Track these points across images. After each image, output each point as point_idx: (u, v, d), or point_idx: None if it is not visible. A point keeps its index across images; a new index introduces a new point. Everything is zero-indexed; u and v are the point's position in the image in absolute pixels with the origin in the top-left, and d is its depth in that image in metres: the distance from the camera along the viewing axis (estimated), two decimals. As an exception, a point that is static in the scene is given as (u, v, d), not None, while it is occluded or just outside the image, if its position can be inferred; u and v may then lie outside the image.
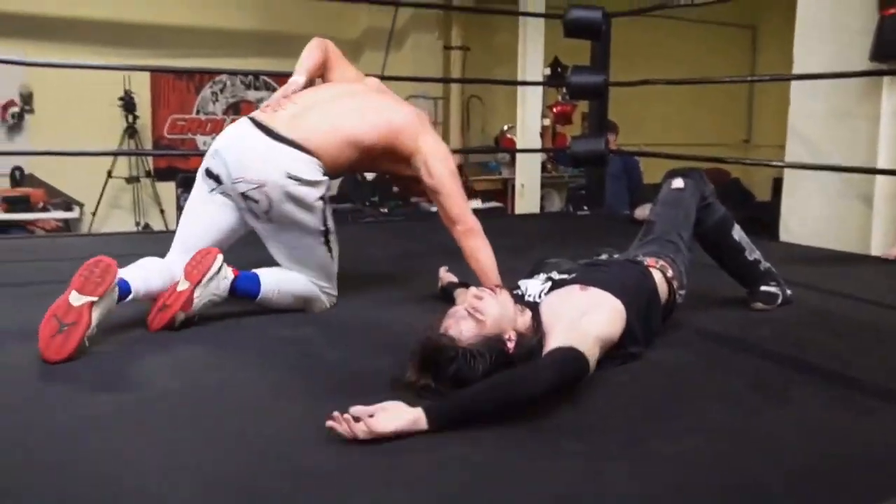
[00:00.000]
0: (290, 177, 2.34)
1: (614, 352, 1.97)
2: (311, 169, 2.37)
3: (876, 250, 3.93)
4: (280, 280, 2.49)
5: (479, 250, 2.51)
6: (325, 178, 2.41)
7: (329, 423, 1.52)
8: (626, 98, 8.39)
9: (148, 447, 1.52)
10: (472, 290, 1.91)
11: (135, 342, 2.21)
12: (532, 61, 6.55)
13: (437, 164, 2.53)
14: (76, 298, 2.03)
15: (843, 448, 1.56)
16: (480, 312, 1.82)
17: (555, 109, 7.86)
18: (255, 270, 2.47)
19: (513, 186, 7.62)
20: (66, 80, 6.86)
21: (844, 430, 1.66)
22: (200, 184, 2.49)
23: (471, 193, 7.62)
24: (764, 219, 5.02)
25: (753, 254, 2.58)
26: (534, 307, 1.99)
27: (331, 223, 2.50)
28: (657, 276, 2.20)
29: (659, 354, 2.11)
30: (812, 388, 1.91)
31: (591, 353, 1.78)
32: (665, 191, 2.49)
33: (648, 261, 2.25)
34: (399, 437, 1.52)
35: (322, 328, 2.39)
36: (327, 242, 2.49)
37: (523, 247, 3.84)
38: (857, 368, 2.03)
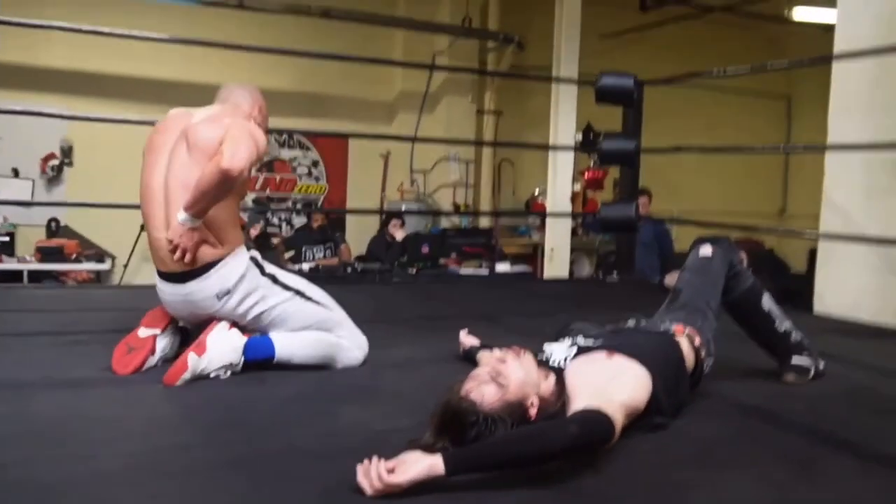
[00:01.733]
0: (219, 296, 2.41)
1: (639, 422, 1.92)
2: (221, 274, 2.40)
3: (913, 326, 3.83)
4: (294, 337, 2.50)
5: (209, 174, 2.27)
6: (237, 266, 2.42)
7: (358, 477, 1.51)
8: (662, 166, 8.44)
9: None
10: (496, 352, 1.87)
11: (146, 393, 2.20)
12: (564, 126, 6.58)
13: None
14: (143, 332, 2.49)
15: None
16: (503, 376, 1.78)
17: (586, 175, 7.87)
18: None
19: (542, 251, 7.59)
20: (105, 136, 7.04)
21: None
22: None
23: (500, 256, 7.62)
24: (799, 290, 4.93)
25: (784, 324, 2.52)
26: (558, 372, 1.94)
27: (293, 281, 2.53)
28: (684, 344, 2.15)
29: (685, 424, 2.04)
30: (843, 465, 1.83)
31: (616, 418, 1.73)
32: (693, 258, 2.45)
33: (675, 328, 2.20)
34: (418, 486, 1.49)
35: (342, 388, 2.36)
36: (307, 298, 2.52)
37: (551, 311, 3.82)
38: (886, 445, 1.95)
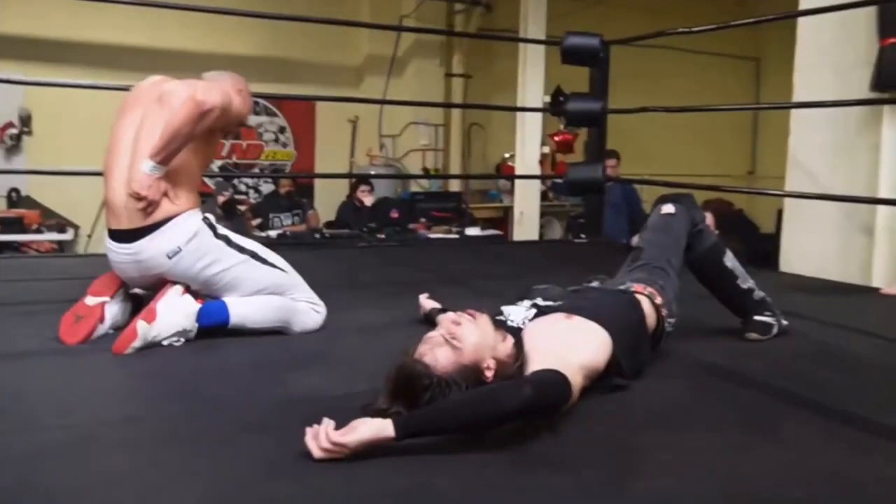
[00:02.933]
0: (170, 256, 2.35)
1: (599, 383, 1.89)
2: (173, 233, 2.35)
3: (877, 282, 3.84)
4: (249, 301, 2.45)
5: (180, 111, 2.27)
6: (189, 225, 2.37)
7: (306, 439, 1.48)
8: (631, 128, 8.39)
9: (111, 479, 1.43)
10: (450, 314, 1.83)
11: (93, 363, 2.14)
12: (532, 88, 6.52)
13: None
14: (91, 300, 2.40)
15: (832, 487, 1.47)
16: (457, 339, 1.74)
17: (556, 138, 7.82)
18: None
19: (513, 214, 7.56)
20: (64, 103, 6.87)
21: (835, 466, 1.57)
22: None
23: (470, 220, 7.58)
24: (768, 251, 4.93)
25: (747, 282, 2.50)
26: (516, 334, 1.90)
27: (247, 243, 2.49)
28: (645, 303, 2.12)
29: (647, 385, 2.02)
30: (804, 423, 1.82)
31: (574, 380, 1.70)
32: (655, 216, 2.42)
33: (636, 287, 2.17)
34: (368, 451, 1.47)
35: (298, 355, 2.32)
36: (261, 261, 2.48)
37: (516, 274, 3.78)
38: (849, 402, 1.94)
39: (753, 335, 2.51)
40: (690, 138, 9.36)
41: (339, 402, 1.80)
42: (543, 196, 7.99)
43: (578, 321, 1.93)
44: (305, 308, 2.53)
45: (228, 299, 2.42)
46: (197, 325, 2.36)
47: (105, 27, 7.22)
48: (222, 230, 2.47)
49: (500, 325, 1.91)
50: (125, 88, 2.59)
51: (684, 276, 2.45)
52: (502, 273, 4.01)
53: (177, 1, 6.12)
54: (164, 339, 2.29)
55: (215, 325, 2.39)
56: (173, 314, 2.30)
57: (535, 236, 6.61)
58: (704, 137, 9.48)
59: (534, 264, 4.39)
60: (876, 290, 3.69)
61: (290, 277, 2.53)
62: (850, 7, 3.63)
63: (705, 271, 2.47)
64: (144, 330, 2.23)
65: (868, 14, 3.83)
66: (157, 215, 2.33)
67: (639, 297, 2.13)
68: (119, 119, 2.48)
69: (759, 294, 2.52)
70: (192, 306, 2.35)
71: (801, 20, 4.25)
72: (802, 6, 4.18)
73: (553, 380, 1.63)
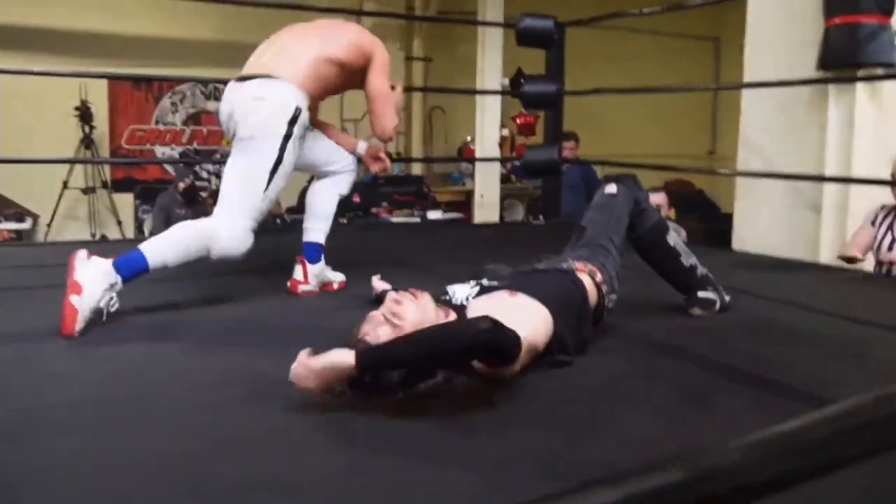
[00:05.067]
0: (256, 98, 2.62)
1: (541, 360, 1.94)
2: (277, 92, 2.63)
3: (824, 259, 3.93)
4: (162, 240, 2.52)
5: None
6: (295, 102, 2.65)
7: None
8: (592, 109, 8.46)
9: (46, 470, 1.45)
10: (391, 294, 1.86)
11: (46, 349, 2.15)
12: (490, 71, 6.53)
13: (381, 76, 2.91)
14: None
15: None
16: (398, 317, 1.78)
17: (518, 120, 7.85)
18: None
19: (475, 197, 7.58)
20: (20, 90, 6.77)
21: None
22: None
23: (433, 204, 7.60)
24: (728, 230, 5.02)
25: (689, 259, 2.56)
26: (459, 311, 1.94)
27: (288, 159, 2.66)
28: (586, 281, 2.17)
29: (588, 360, 2.07)
30: (743, 397, 1.88)
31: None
32: (598, 196, 2.48)
33: (577, 265, 2.21)
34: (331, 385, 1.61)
35: (244, 335, 2.34)
36: (271, 176, 2.62)
37: (474, 257, 3.80)
38: (783, 374, 2.01)
39: (696, 310, 2.58)
40: (650, 119, 9.43)
41: (284, 382, 1.83)
42: (506, 179, 8.03)
43: (521, 298, 1.97)
44: (227, 232, 2.55)
45: (141, 245, 2.46)
46: (120, 276, 2.38)
47: (59, 11, 7.10)
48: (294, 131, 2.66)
49: (443, 304, 1.96)
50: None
51: (630, 254, 2.51)
52: (461, 256, 4.04)
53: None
54: (102, 301, 2.32)
55: (137, 273, 2.43)
56: (92, 276, 2.31)
57: (496, 218, 6.64)
58: (664, 118, 9.55)
59: (492, 246, 4.43)
60: (822, 266, 3.79)
61: (252, 201, 2.61)
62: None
63: (648, 249, 2.53)
64: (79, 302, 2.25)
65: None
66: (280, 72, 2.68)
67: (580, 274, 2.18)
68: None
69: (701, 271, 2.59)
70: (105, 263, 2.37)
71: (751, 0, 4.31)
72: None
73: (507, 329, 1.67)
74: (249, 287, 3.04)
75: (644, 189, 2.52)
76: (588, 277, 2.18)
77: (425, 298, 1.85)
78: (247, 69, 2.77)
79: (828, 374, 2.06)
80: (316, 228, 3.04)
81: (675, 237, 2.55)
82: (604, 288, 2.21)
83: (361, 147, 3.15)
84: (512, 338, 1.67)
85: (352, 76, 2.88)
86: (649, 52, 9.41)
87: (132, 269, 2.41)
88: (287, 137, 2.64)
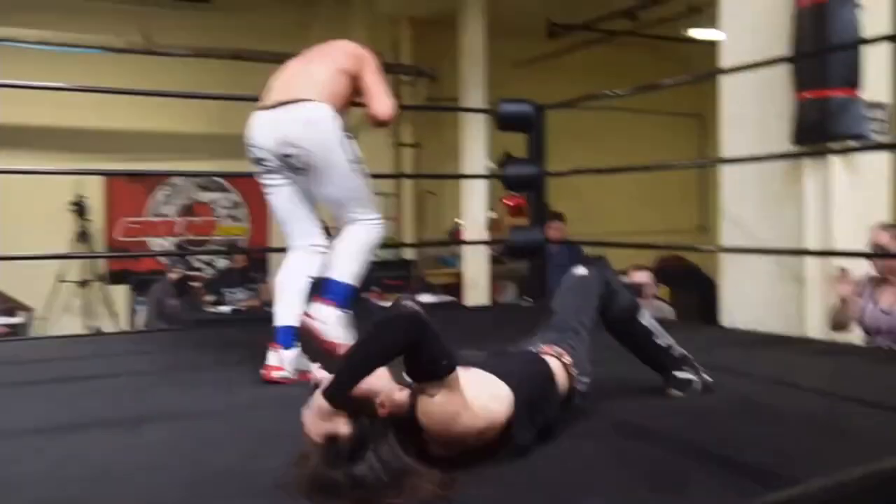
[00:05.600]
0: (308, 122, 2.86)
1: (502, 443, 1.90)
2: (320, 110, 2.86)
3: (811, 331, 3.91)
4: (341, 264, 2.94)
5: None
6: (337, 117, 2.90)
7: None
8: (581, 189, 8.55)
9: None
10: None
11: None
12: (474, 155, 6.63)
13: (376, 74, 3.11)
14: None
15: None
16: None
17: (508, 202, 7.93)
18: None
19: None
20: (16, 186, 6.88)
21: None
22: (268, 186, 3.07)
23: (424, 287, 7.60)
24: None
25: (665, 339, 2.53)
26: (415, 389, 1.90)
27: (357, 153, 2.96)
28: (553, 363, 2.14)
29: (555, 445, 2.02)
30: (710, 477, 1.84)
31: (474, 416, 1.77)
32: (567, 278, 2.47)
33: (545, 348, 2.19)
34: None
35: (220, 433, 2.30)
36: (356, 171, 2.95)
37: (462, 339, 3.77)
38: (759, 455, 1.96)
39: (674, 392, 2.54)
40: (638, 196, 9.54)
41: (251, 477, 1.80)
42: (499, 260, 8.06)
43: (476, 372, 1.95)
44: (374, 227, 3.08)
45: (330, 276, 2.89)
46: (346, 310, 2.84)
47: (53, 109, 7.24)
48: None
49: (403, 381, 1.92)
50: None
51: (606, 335, 2.48)
52: (450, 338, 4.02)
53: (125, 85, 6.23)
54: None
55: (351, 296, 2.90)
56: (335, 329, 2.79)
57: (486, 300, 6.63)
58: (653, 195, 9.66)
59: (480, 328, 4.40)
60: (809, 339, 3.76)
61: (369, 191, 3.08)
62: (768, 64, 3.78)
63: (621, 330, 2.50)
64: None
65: (785, 69, 3.96)
66: (311, 94, 2.92)
67: (546, 357, 2.15)
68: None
69: (678, 350, 2.56)
70: (329, 311, 2.81)
71: (723, 78, 4.39)
72: (722, 61, 4.34)
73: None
74: (223, 377, 3.01)
75: (613, 271, 2.52)
76: (555, 359, 2.16)
77: (381, 371, 1.80)
78: (278, 97, 2.97)
79: (808, 452, 2.01)
80: (288, 311, 2.98)
81: (650, 318, 2.53)
82: (573, 370, 2.18)
83: None
84: (435, 333, 1.69)
85: (355, 84, 3.07)
86: (636, 129, 9.58)
87: (346, 296, 2.83)
88: (345, 140, 2.93)
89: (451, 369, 1.72)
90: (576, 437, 2.12)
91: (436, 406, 1.74)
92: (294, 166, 2.93)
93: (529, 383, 2.01)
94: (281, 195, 3.05)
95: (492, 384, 1.91)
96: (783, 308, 4.09)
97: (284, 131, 2.89)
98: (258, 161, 3.00)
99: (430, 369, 1.71)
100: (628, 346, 2.55)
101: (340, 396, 1.64)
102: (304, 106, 2.88)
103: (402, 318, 1.77)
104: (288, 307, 2.97)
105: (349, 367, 1.68)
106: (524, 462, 1.90)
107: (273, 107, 2.95)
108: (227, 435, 2.27)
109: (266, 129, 2.94)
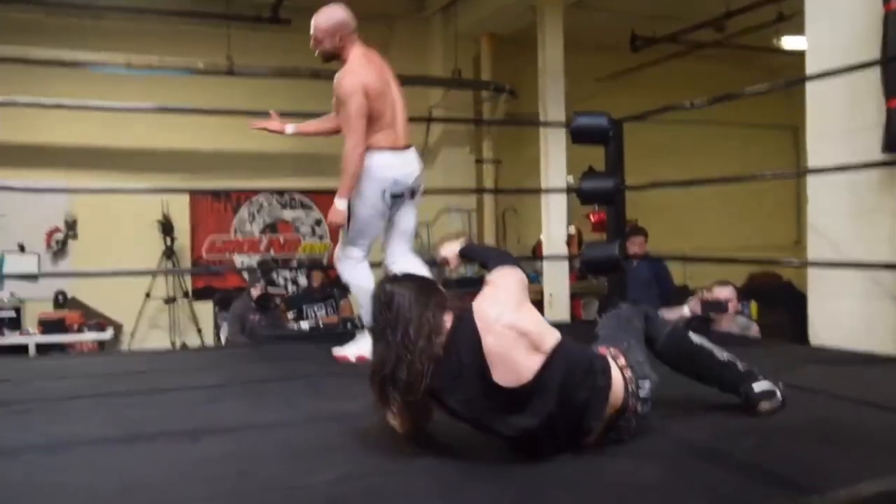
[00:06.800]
0: (420, 164, 3.60)
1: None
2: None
3: (906, 351, 3.66)
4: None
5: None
6: None
7: None
8: (671, 203, 8.35)
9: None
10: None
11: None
12: (555, 170, 6.54)
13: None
14: None
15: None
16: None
17: (592, 217, 7.79)
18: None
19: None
20: (107, 207, 7.16)
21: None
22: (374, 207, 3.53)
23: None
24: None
25: (723, 353, 2.39)
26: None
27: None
28: (609, 360, 2.10)
29: (621, 464, 1.94)
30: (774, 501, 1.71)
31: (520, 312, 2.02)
32: (604, 317, 2.45)
33: (598, 349, 2.16)
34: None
35: (276, 445, 2.29)
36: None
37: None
38: (834, 478, 1.82)
39: (765, 405, 2.36)
40: (732, 211, 9.28)
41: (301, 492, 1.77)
42: (582, 276, 7.92)
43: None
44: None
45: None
46: None
47: (142, 131, 7.48)
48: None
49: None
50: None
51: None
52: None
53: (210, 105, 6.41)
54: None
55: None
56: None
57: (566, 316, 6.51)
58: (747, 210, 9.37)
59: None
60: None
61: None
62: (855, 70, 3.59)
63: (676, 354, 2.37)
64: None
65: (875, 75, 3.75)
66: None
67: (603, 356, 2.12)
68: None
69: (743, 366, 2.41)
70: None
71: (809, 86, 4.20)
72: (808, 69, 4.15)
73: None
74: (289, 391, 3.01)
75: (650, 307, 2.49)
76: (610, 359, 2.10)
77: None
78: (405, 139, 3.54)
79: (887, 477, 1.86)
80: None
81: (700, 337, 2.40)
82: (627, 373, 2.09)
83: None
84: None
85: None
86: (730, 144, 9.35)
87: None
88: None
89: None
90: (639, 457, 2.02)
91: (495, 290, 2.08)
92: (406, 199, 3.56)
93: (580, 354, 2.06)
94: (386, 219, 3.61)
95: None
96: (874, 325, 3.85)
97: (416, 171, 3.54)
98: (396, 196, 3.49)
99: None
100: (686, 370, 2.41)
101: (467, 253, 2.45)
102: (414, 151, 3.56)
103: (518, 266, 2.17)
104: None
105: (483, 249, 2.25)
106: (586, 483, 1.82)
107: (405, 148, 3.51)
108: (280, 448, 2.25)
109: (408, 169, 3.50)
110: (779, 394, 2.40)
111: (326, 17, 3.49)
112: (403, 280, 2.11)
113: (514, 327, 1.96)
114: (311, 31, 3.51)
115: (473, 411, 1.98)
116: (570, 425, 1.98)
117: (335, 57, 3.55)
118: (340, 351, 3.65)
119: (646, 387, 2.12)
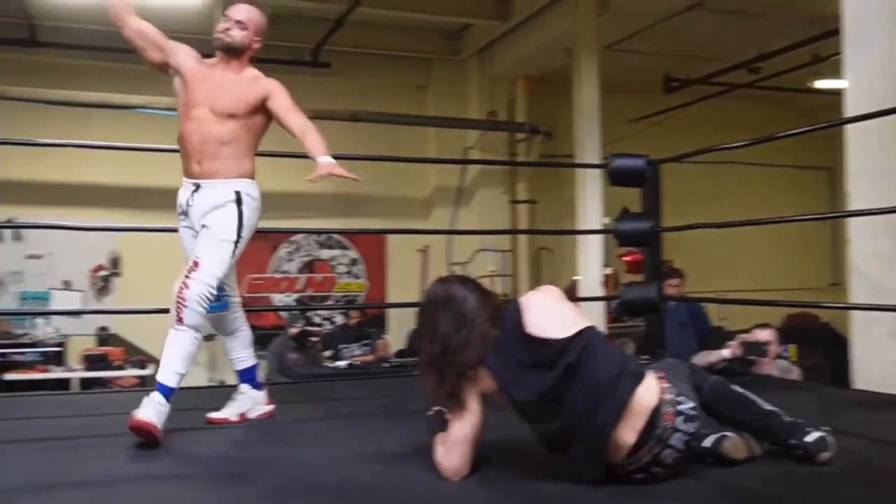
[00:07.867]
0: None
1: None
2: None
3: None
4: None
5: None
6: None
7: None
8: (705, 245, 8.33)
9: None
10: None
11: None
12: (590, 211, 6.57)
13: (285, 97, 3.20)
14: None
15: None
16: None
17: (626, 258, 7.79)
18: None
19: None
20: (150, 245, 7.27)
21: None
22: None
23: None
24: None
25: (766, 404, 2.37)
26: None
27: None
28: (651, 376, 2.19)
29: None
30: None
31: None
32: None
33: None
34: None
35: (312, 484, 2.31)
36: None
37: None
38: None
39: (823, 455, 2.31)
40: (767, 253, 9.22)
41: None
42: (617, 317, 7.89)
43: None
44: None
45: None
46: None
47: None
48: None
49: None
50: None
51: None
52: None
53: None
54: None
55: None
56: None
57: (602, 358, 6.49)
58: (781, 252, 9.30)
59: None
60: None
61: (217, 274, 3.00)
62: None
63: (722, 399, 2.34)
64: None
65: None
66: None
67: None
68: None
69: (788, 417, 2.38)
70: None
71: (848, 127, 4.20)
72: (847, 111, 4.15)
73: None
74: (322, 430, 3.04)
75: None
76: (653, 377, 2.19)
77: None
78: None
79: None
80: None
81: (742, 389, 2.39)
82: (664, 382, 2.17)
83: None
84: None
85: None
86: (766, 185, 9.33)
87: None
88: None
89: None
90: (683, 500, 2.02)
91: None
92: None
93: (610, 347, 2.25)
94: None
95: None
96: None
97: None
98: None
99: None
100: (736, 420, 2.36)
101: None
102: None
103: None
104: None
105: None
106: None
107: None
108: (310, 488, 2.27)
109: None
110: (830, 439, 2.38)
111: (262, 16, 3.21)
112: (466, 279, 2.37)
113: (552, 297, 2.28)
114: (238, 15, 3.11)
115: (511, 372, 2.16)
116: (594, 398, 2.09)
117: (237, 52, 3.14)
118: (218, 415, 3.24)
119: (688, 405, 2.14)
